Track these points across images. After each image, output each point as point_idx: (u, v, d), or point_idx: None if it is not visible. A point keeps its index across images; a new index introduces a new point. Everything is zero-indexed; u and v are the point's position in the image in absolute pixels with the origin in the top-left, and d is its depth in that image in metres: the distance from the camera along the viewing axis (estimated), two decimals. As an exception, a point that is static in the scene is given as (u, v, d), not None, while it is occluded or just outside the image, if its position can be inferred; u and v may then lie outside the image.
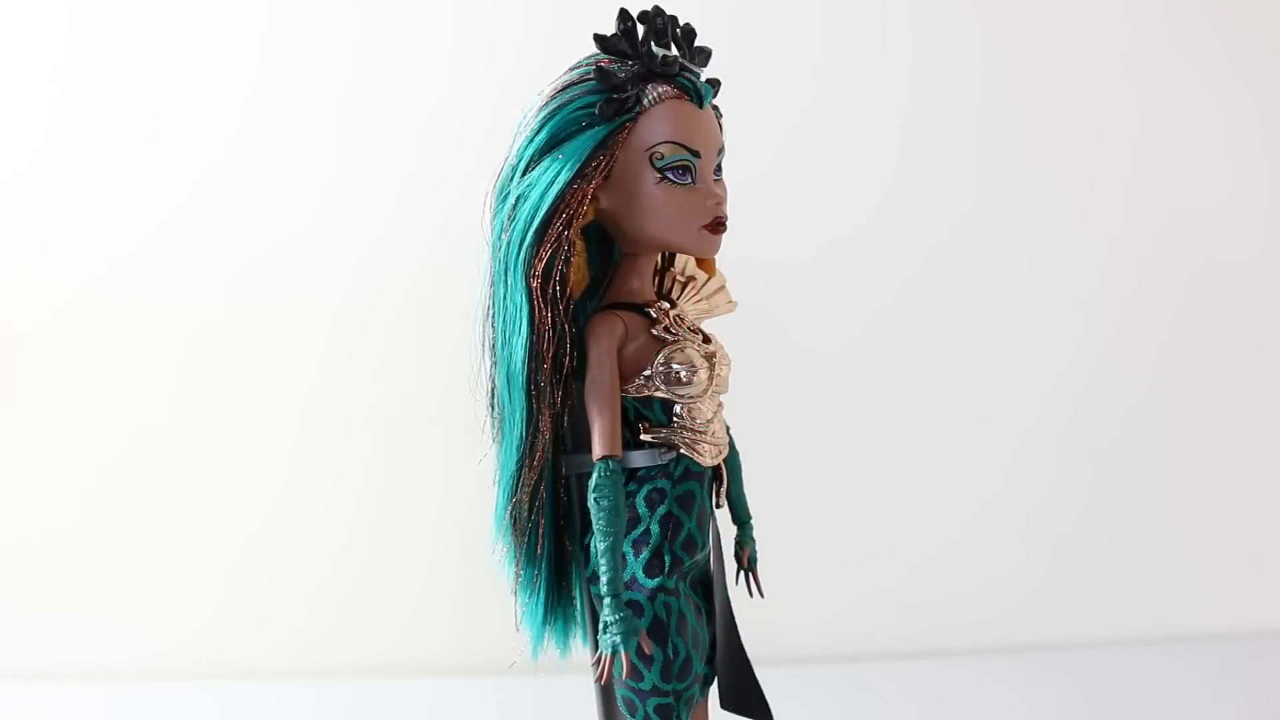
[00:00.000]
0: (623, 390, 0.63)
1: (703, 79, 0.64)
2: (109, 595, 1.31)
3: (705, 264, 0.69)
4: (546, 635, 0.68)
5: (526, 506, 0.64)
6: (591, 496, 0.61)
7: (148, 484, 1.31)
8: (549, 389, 0.62)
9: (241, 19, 1.32)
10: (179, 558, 1.31)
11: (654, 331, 0.64)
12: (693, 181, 0.63)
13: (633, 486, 0.64)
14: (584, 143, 0.62)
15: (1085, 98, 1.35)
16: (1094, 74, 1.35)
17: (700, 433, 0.64)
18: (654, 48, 0.63)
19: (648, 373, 0.63)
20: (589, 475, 0.62)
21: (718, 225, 0.64)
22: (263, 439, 1.32)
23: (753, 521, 0.72)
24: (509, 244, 0.62)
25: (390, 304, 1.31)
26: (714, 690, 0.68)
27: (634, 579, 0.63)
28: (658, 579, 0.63)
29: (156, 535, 1.31)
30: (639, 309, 0.64)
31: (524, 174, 0.62)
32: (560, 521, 0.66)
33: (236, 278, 1.32)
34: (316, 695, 1.24)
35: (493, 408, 0.65)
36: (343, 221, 1.32)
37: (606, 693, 0.67)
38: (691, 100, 0.63)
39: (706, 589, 0.67)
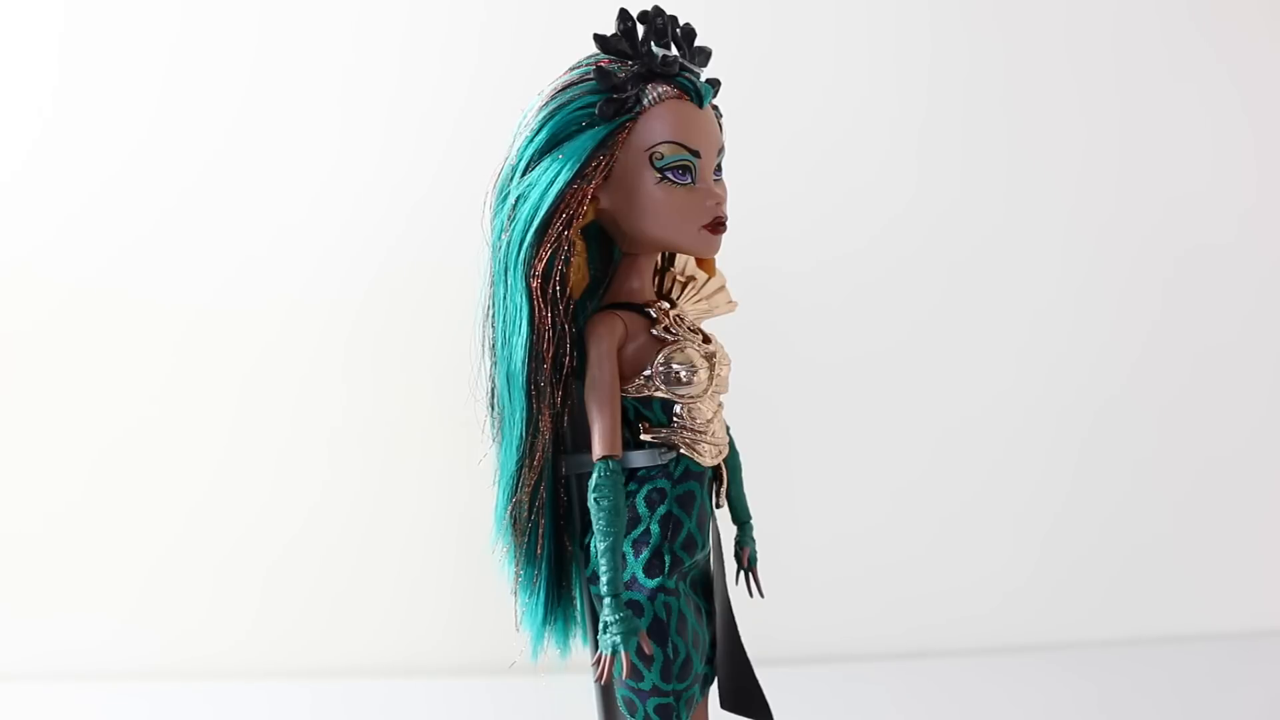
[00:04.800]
0: (623, 390, 0.63)
1: (703, 79, 0.64)
2: (99, 594, 1.31)
3: (705, 264, 0.69)
4: (546, 635, 0.68)
5: (526, 506, 0.64)
6: (591, 496, 0.61)
7: (139, 481, 1.31)
8: (549, 389, 0.62)
9: (234, 18, 1.32)
10: (170, 555, 1.31)
11: (654, 331, 0.64)
12: (692, 181, 0.63)
13: (633, 486, 0.64)
14: (584, 143, 0.62)
15: (1111, 101, 1.35)
16: (1120, 78, 1.35)
17: (700, 433, 0.64)
18: (654, 48, 0.63)
19: (648, 373, 0.63)
20: (589, 475, 0.62)
21: (718, 225, 0.64)
22: (255, 436, 1.32)
23: (753, 521, 0.72)
24: (509, 244, 0.62)
25: (383, 302, 1.31)
26: (714, 690, 0.67)
27: (634, 579, 0.63)
28: (658, 579, 0.63)
29: (148, 533, 1.31)
30: (639, 309, 0.64)
31: (524, 174, 0.62)
32: (560, 521, 0.66)
33: (228, 276, 1.32)
34: (310, 695, 1.24)
35: (493, 408, 0.65)
36: (336, 219, 1.32)
37: (606, 693, 0.67)
38: (691, 100, 0.63)
39: (706, 589, 0.67)
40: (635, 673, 0.62)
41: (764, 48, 1.32)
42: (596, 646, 0.63)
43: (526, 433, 0.63)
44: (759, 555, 0.72)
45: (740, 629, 0.68)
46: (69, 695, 1.25)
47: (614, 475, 0.61)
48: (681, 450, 0.64)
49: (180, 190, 1.32)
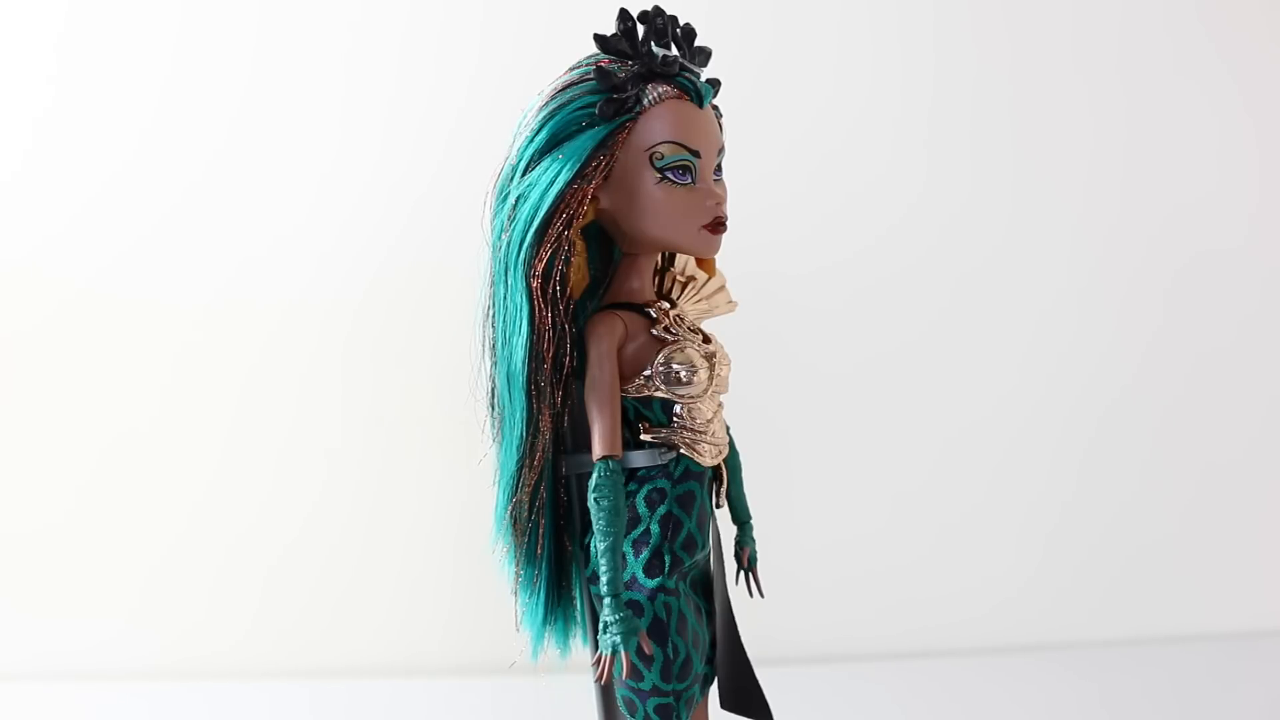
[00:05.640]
0: (623, 390, 0.63)
1: (703, 79, 0.64)
2: (99, 594, 1.31)
3: (705, 264, 0.69)
4: (546, 635, 0.68)
5: (526, 506, 0.64)
6: (591, 496, 0.61)
7: (139, 482, 1.31)
8: (549, 389, 0.62)
9: (234, 19, 1.32)
10: (171, 556, 1.31)
11: (654, 331, 0.64)
12: (693, 181, 0.63)
13: (633, 486, 0.64)
14: (584, 143, 0.62)
15: (1118, 106, 1.34)
16: (1127, 83, 1.35)
17: (700, 433, 0.64)
18: (654, 48, 0.63)
19: (648, 373, 0.63)
20: (589, 475, 0.62)
21: (718, 225, 0.64)
22: (255, 437, 1.32)
23: (753, 521, 0.72)
24: (509, 244, 0.62)
25: (382, 302, 1.31)
26: (714, 690, 0.67)
27: (634, 579, 0.63)
28: (658, 579, 0.63)
29: (148, 533, 1.31)
30: (639, 309, 0.64)
31: (524, 174, 0.62)
32: (560, 521, 0.66)
33: (228, 277, 1.32)
34: (310, 695, 1.24)
35: (493, 408, 0.65)
36: (336, 220, 1.32)
37: (606, 693, 0.67)
38: (691, 100, 0.63)
39: (706, 589, 0.67)
40: (635, 673, 0.62)
41: (765, 48, 1.31)
42: (596, 646, 0.63)
43: (526, 433, 0.63)
44: (759, 555, 0.72)
45: (740, 629, 0.68)
46: (70, 695, 1.25)
47: (614, 475, 0.61)
48: (681, 450, 0.64)
49: (180, 191, 1.32)
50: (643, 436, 0.64)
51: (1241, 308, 1.36)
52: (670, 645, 0.63)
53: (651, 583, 0.63)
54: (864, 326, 1.34)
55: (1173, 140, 1.35)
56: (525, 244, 0.61)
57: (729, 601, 0.67)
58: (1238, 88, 1.35)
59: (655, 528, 0.63)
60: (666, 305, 0.65)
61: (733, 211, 0.64)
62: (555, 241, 0.61)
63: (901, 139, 1.34)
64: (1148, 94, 1.35)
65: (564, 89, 0.63)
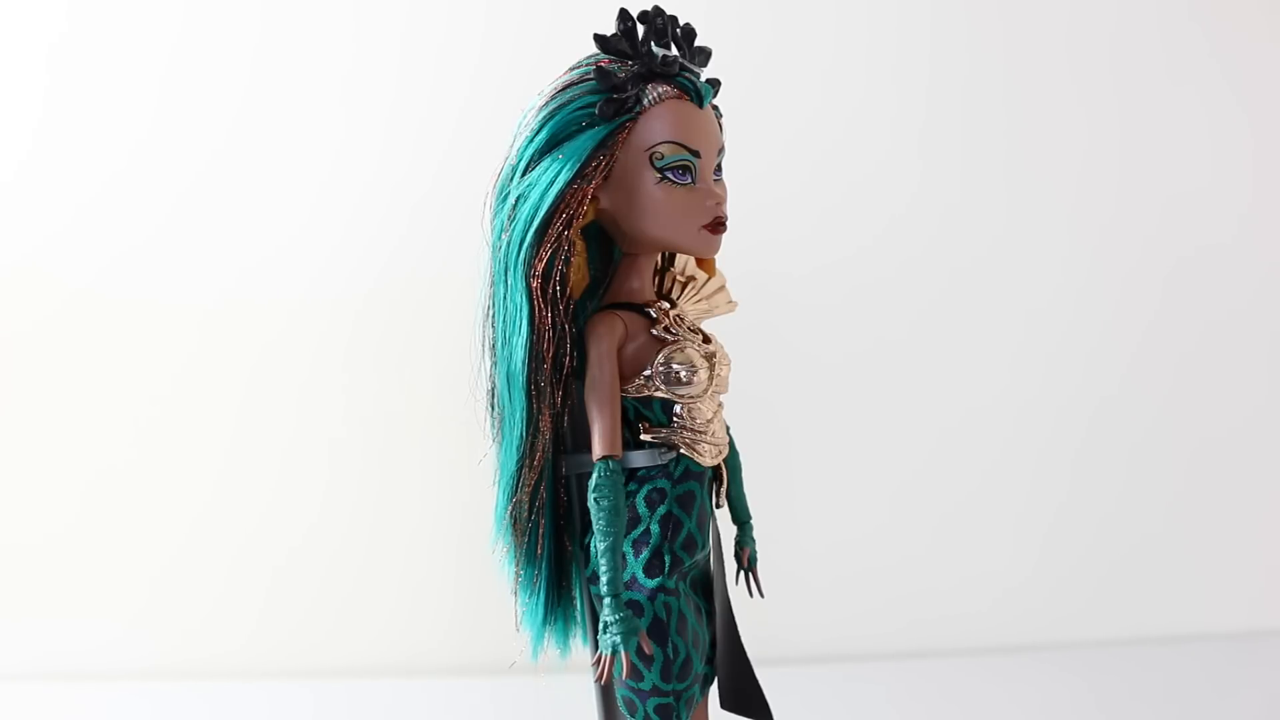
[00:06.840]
0: (623, 390, 0.63)
1: (702, 79, 0.64)
2: (106, 595, 1.31)
3: (705, 264, 0.69)
4: (546, 635, 0.68)
5: (526, 506, 0.64)
6: (591, 496, 0.61)
7: (144, 483, 1.31)
8: (549, 389, 0.62)
9: (236, 18, 1.32)
10: (176, 557, 1.31)
11: (654, 331, 0.64)
12: (693, 181, 0.63)
13: (633, 486, 0.64)
14: (584, 143, 0.62)
15: (1111, 101, 1.35)
16: (1120, 78, 1.35)
17: (700, 433, 0.64)
18: (654, 48, 0.63)
19: (648, 373, 0.63)
20: (589, 475, 0.62)
21: (718, 225, 0.64)
22: (260, 438, 1.32)
23: (753, 521, 0.72)
24: (509, 244, 0.62)
25: (385, 303, 1.31)
26: (714, 690, 0.67)
27: (634, 579, 0.63)
28: (658, 579, 0.63)
29: (153, 534, 1.31)
30: (639, 309, 0.64)
31: (524, 174, 0.62)
32: (560, 521, 0.66)
33: (232, 277, 1.32)
34: (314, 696, 1.24)
35: (493, 408, 0.65)
36: (337, 221, 1.32)
37: (606, 693, 0.67)
38: (691, 100, 0.63)
39: (706, 589, 0.67)
40: (635, 673, 0.62)
41: (764, 48, 1.32)
42: (596, 646, 0.63)
43: (526, 433, 0.63)
44: (759, 555, 0.72)
45: (740, 629, 0.68)
46: (74, 695, 1.25)
47: (614, 475, 0.61)
48: (681, 450, 0.64)
49: (181, 192, 1.32)
50: (643, 436, 0.64)
51: (1236, 303, 1.36)
52: (670, 645, 0.63)
53: (651, 583, 0.63)
54: (863, 324, 1.34)
55: (1167, 136, 1.35)
56: (525, 244, 0.61)
57: (729, 601, 0.67)
58: (1230, 84, 1.35)
59: (655, 528, 0.63)
60: (666, 305, 0.65)
61: (732, 211, 0.64)
62: (555, 241, 0.61)
63: (897, 136, 1.34)
64: (1141, 90, 1.35)
65: (564, 89, 0.63)
